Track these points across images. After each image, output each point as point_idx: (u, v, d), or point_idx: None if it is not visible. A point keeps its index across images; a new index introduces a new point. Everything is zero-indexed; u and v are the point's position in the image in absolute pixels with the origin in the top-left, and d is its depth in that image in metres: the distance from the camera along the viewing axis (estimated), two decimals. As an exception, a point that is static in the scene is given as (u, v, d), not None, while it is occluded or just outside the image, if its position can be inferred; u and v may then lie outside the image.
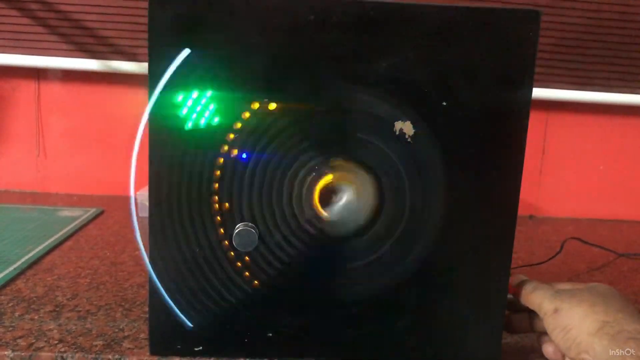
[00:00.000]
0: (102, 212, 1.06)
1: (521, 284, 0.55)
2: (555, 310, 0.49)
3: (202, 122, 0.49)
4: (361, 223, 0.51)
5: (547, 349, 0.52)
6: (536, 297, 0.52)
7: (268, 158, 0.49)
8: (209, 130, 0.49)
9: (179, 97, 0.48)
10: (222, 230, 0.51)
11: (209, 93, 0.48)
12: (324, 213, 0.51)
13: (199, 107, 0.48)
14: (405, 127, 0.50)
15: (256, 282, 0.52)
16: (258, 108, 0.49)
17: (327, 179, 0.50)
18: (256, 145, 0.49)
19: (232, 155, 0.49)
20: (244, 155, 0.49)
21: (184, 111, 0.48)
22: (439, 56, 0.49)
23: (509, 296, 0.55)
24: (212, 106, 0.48)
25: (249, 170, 0.50)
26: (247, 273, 0.52)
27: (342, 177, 0.50)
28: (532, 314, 0.55)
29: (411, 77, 0.49)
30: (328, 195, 0.51)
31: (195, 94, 0.48)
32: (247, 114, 0.49)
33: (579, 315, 0.48)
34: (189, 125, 0.48)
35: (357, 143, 0.50)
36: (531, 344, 0.59)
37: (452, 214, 0.52)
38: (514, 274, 0.55)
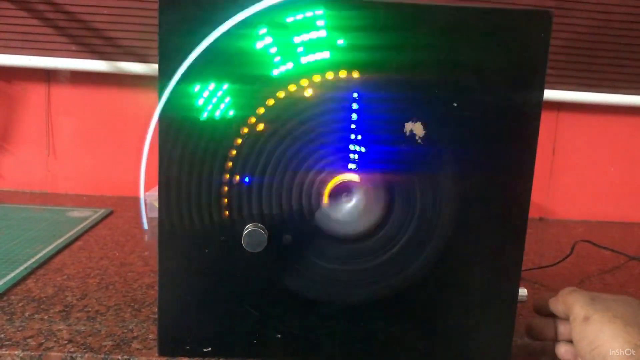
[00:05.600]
0: (111, 213, 1.06)
1: (562, 291, 0.54)
2: (586, 319, 0.47)
3: (217, 114, 0.49)
4: (371, 224, 0.51)
5: (559, 349, 0.52)
6: (571, 297, 0.51)
7: (278, 157, 0.50)
8: (220, 127, 0.49)
9: (193, 90, 0.48)
10: (231, 231, 0.51)
11: (219, 92, 0.48)
12: (333, 212, 0.50)
13: (211, 104, 0.49)
14: (416, 128, 0.49)
15: (265, 283, 0.52)
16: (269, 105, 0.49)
17: (338, 178, 0.50)
18: (267, 144, 0.49)
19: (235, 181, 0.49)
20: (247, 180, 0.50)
21: (200, 102, 0.49)
22: (450, 57, 0.48)
23: (539, 301, 0.54)
24: (225, 102, 0.49)
25: (259, 169, 0.50)
26: (256, 274, 0.51)
27: (353, 177, 0.50)
28: (557, 320, 0.54)
29: (422, 77, 0.49)
30: (338, 195, 0.50)
31: (207, 91, 0.48)
32: (261, 110, 0.49)
33: (610, 333, 0.45)
34: (203, 115, 0.49)
35: (367, 143, 0.50)
36: (541, 346, 0.59)
37: (463, 216, 0.51)
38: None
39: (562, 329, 0.54)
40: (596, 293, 0.51)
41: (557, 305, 0.53)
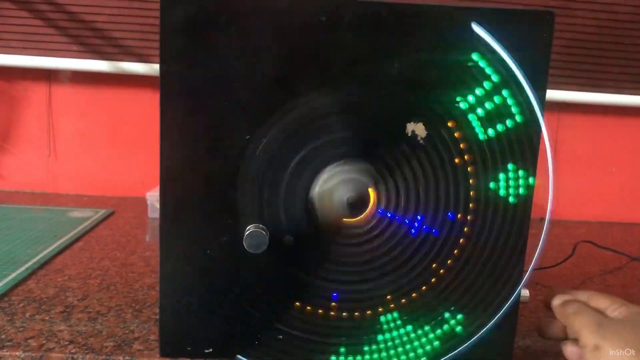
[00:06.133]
0: (112, 213, 1.06)
1: (565, 303, 0.52)
2: (596, 348, 0.46)
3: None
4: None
5: (566, 349, 0.51)
6: (577, 322, 0.49)
7: (282, 158, 0.49)
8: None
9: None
10: (233, 232, 0.50)
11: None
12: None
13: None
14: (418, 129, 0.49)
15: (267, 284, 0.52)
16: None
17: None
18: (271, 145, 0.49)
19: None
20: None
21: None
22: (452, 57, 0.48)
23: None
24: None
25: (262, 169, 0.49)
26: (258, 275, 0.51)
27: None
28: None
29: (424, 78, 0.49)
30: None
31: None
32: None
33: None
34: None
35: (369, 145, 0.50)
36: (542, 348, 0.59)
37: (465, 216, 0.51)
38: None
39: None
40: (601, 315, 0.49)
41: (565, 321, 0.51)
